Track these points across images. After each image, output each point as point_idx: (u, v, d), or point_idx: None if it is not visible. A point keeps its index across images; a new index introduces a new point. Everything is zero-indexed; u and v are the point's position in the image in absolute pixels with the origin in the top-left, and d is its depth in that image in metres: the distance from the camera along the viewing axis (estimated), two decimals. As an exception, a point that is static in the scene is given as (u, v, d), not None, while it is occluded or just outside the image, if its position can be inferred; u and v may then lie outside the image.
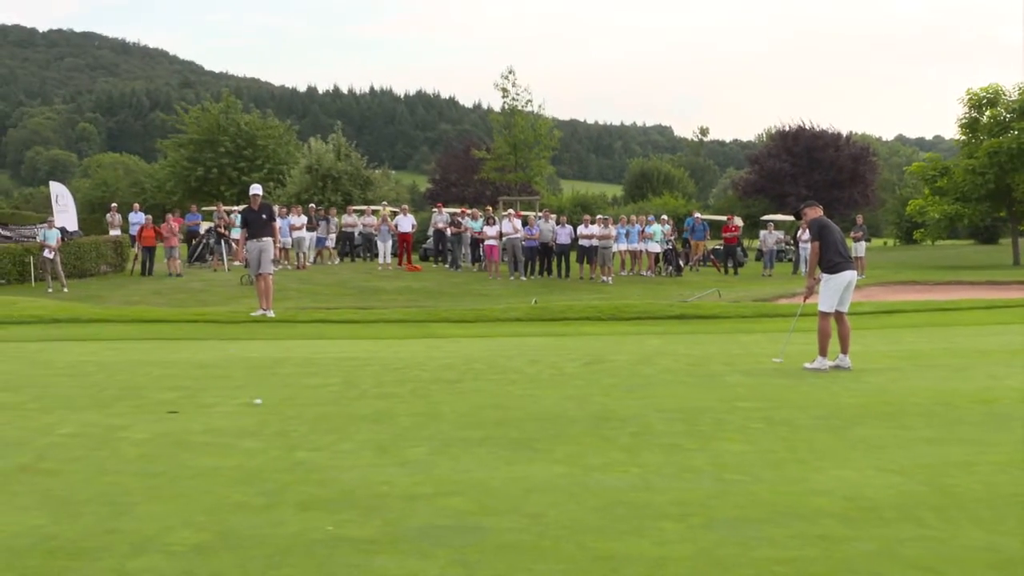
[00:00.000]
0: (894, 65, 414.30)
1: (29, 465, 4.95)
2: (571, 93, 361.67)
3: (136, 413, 6.45)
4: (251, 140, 53.18)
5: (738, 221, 31.18)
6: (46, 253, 20.49)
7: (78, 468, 4.87)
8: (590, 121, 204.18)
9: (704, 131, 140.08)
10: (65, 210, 26.02)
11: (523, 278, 24.38)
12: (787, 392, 7.25)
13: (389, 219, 26.78)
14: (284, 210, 25.33)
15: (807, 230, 9.29)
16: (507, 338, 12.00)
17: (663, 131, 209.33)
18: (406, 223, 26.59)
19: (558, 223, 25.40)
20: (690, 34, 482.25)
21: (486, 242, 25.37)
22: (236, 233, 21.51)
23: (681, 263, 27.70)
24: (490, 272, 25.07)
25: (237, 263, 22.01)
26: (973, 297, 17.81)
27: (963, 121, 34.14)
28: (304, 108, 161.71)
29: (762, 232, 30.80)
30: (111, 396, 7.16)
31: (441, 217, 27.85)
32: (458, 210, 30.16)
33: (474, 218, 26.85)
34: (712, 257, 30.88)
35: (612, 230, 25.18)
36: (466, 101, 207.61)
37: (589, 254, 24.90)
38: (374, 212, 29.48)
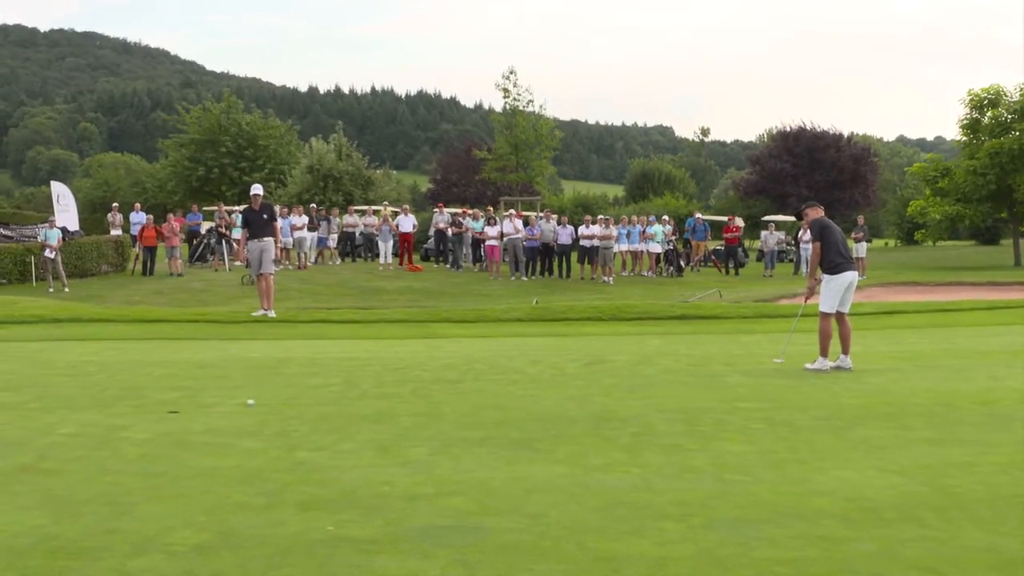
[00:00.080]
0: (894, 65, 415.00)
1: (30, 465, 4.95)
2: (572, 93, 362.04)
3: (137, 413, 6.45)
4: (252, 140, 53.18)
5: (739, 222, 31.17)
6: (47, 253, 20.49)
7: (79, 468, 4.87)
8: (591, 121, 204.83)
9: (705, 131, 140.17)
10: (66, 210, 26.00)
11: (524, 278, 24.37)
12: (788, 393, 7.25)
13: (390, 219, 26.80)
14: (285, 210, 25.32)
15: (808, 231, 9.28)
16: (508, 338, 11.99)
17: (664, 131, 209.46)
18: (407, 223, 26.59)
19: (559, 223, 25.41)
20: (690, 34, 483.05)
21: (487, 242, 25.36)
22: (237, 233, 21.52)
23: (682, 263, 27.68)
24: (491, 272, 25.06)
25: (238, 263, 22.03)
26: (974, 298, 17.81)
27: (964, 122, 34.14)
28: (305, 108, 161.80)
29: (763, 233, 30.81)
30: (112, 396, 7.16)
31: (442, 217, 27.83)
32: (459, 210, 30.17)
33: (475, 218, 26.84)
34: (713, 257, 30.88)
35: (613, 230, 25.17)
36: (467, 101, 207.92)
37: (590, 254, 24.89)
38: (375, 212, 29.47)
